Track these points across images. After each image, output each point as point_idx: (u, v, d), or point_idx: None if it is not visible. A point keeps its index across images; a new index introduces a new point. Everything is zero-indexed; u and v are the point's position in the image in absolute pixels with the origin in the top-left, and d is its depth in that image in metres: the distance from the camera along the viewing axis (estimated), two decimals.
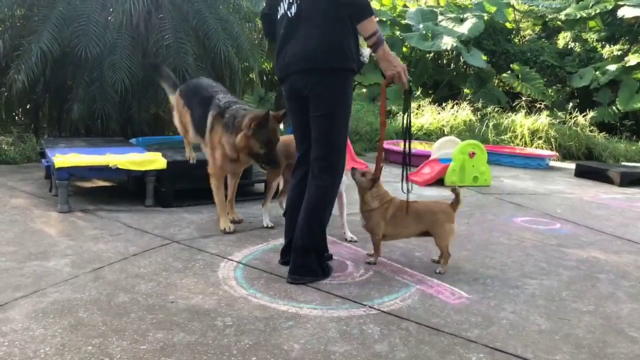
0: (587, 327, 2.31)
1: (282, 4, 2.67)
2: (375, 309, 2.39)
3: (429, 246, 3.40)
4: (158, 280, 2.60)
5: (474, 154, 5.79)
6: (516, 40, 13.43)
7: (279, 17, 2.72)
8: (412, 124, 9.45)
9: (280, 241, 3.35)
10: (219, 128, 3.46)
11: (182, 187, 4.24)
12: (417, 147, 8.03)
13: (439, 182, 5.80)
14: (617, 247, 3.68)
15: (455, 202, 2.97)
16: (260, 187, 4.81)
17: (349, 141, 7.09)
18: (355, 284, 2.68)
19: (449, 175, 5.75)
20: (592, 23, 12.28)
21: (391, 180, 5.93)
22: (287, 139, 3.50)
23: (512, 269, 3.06)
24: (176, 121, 4.20)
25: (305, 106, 2.67)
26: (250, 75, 10.29)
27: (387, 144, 7.72)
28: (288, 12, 2.62)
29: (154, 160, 4.05)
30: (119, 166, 3.89)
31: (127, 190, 4.68)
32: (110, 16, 6.46)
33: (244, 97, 10.63)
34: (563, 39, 12.47)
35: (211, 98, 3.67)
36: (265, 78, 12.96)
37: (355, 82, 12.26)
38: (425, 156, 6.52)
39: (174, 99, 4.20)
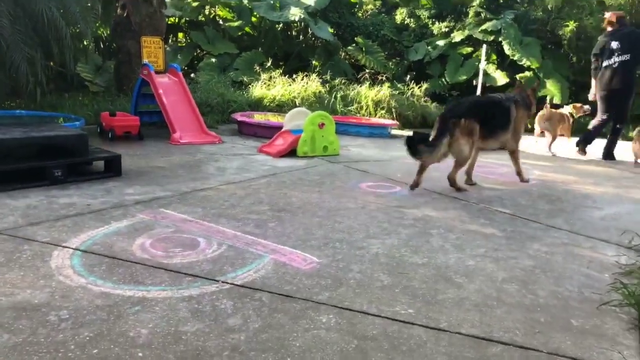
0: (422, 278, 2.57)
1: (607, 60, 7.00)
2: (228, 283, 2.36)
3: (283, 216, 3.46)
4: None
5: (323, 124, 5.99)
6: (360, 14, 14.10)
7: (603, 65, 7.06)
8: (264, 96, 9.37)
9: (125, 223, 3.13)
10: (521, 111, 4.86)
11: (3, 169, 3.69)
12: (270, 119, 8.08)
13: (291, 152, 5.90)
14: (446, 204, 4.14)
15: None
16: (98, 165, 4.40)
17: (199, 114, 6.85)
18: (208, 261, 2.61)
19: (301, 145, 5.88)
20: (423, 1, 13.38)
21: (245, 153, 5.89)
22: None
23: (359, 231, 3.25)
24: (470, 149, 4.47)
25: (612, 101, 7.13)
26: (85, 42, 9.28)
27: (240, 116, 7.61)
28: (612, 65, 6.95)
29: None
30: None
31: None
32: None
33: (78, 67, 9.58)
34: (400, 15, 13.41)
35: (494, 100, 4.79)
36: (102, 45, 11.80)
37: (204, 52, 11.79)
38: (278, 128, 6.57)
39: (458, 130, 4.35)
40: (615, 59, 6.93)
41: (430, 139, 4.38)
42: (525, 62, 11.08)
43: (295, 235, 3.10)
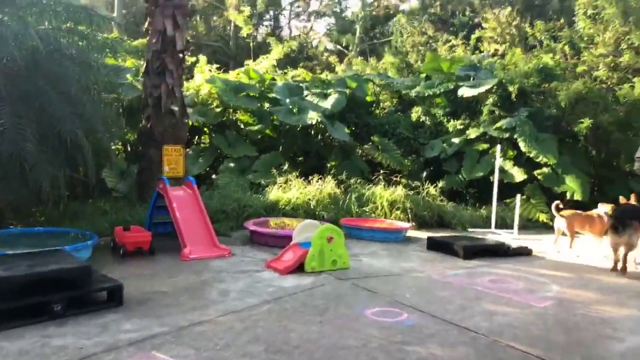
0: None
1: None
2: None
3: None
4: None
5: (332, 238, 5.96)
6: (377, 112, 14.54)
7: None
8: (280, 199, 9.34)
9: None
10: None
11: (4, 307, 3.72)
12: (286, 222, 8.11)
13: (300, 266, 5.83)
14: (454, 338, 3.93)
15: None
16: (102, 295, 4.40)
17: (211, 227, 6.90)
18: None
19: (309, 261, 5.81)
20: (438, 100, 13.77)
21: (252, 269, 5.81)
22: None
23: None
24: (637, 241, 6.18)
25: None
26: (115, 147, 9.75)
27: (252, 225, 7.64)
28: None
29: None
30: None
31: None
32: None
33: (104, 173, 10.02)
34: (416, 113, 13.77)
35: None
36: (129, 149, 12.37)
37: (226, 155, 12.16)
38: (289, 238, 6.55)
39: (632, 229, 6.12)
40: None
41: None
42: (542, 158, 11.05)
43: None
